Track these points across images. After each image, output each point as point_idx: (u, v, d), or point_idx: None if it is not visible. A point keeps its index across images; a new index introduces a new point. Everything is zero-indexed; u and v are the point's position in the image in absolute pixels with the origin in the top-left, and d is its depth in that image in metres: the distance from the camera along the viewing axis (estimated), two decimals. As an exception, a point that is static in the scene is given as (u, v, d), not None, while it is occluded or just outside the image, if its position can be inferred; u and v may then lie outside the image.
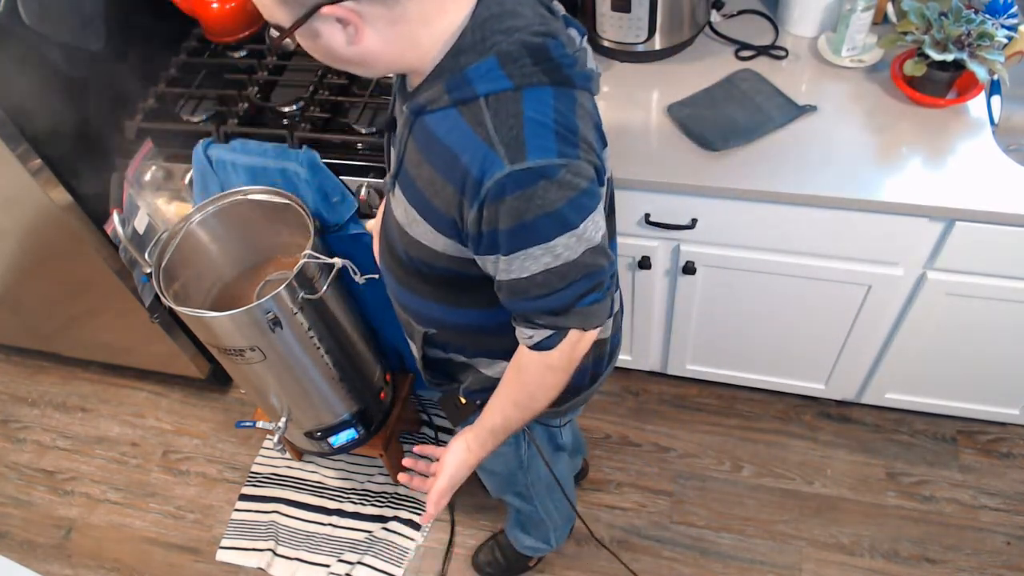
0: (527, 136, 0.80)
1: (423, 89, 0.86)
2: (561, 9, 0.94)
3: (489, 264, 0.90)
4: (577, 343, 0.96)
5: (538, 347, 0.95)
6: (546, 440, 1.34)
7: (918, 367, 1.73)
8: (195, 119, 1.65)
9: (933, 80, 1.40)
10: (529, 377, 1.00)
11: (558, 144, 0.82)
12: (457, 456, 1.09)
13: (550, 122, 0.82)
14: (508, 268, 0.88)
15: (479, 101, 0.82)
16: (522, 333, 0.96)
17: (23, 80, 1.49)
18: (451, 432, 2.03)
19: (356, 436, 1.78)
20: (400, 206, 0.95)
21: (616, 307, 1.12)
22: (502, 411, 1.05)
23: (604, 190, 0.92)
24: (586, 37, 0.95)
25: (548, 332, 0.94)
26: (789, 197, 1.37)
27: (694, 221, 1.49)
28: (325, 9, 0.76)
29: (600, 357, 1.18)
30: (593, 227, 0.87)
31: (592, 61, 0.95)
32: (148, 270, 1.51)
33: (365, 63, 0.84)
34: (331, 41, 0.81)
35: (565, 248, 0.85)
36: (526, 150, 0.80)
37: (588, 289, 0.91)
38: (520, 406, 1.04)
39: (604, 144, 0.94)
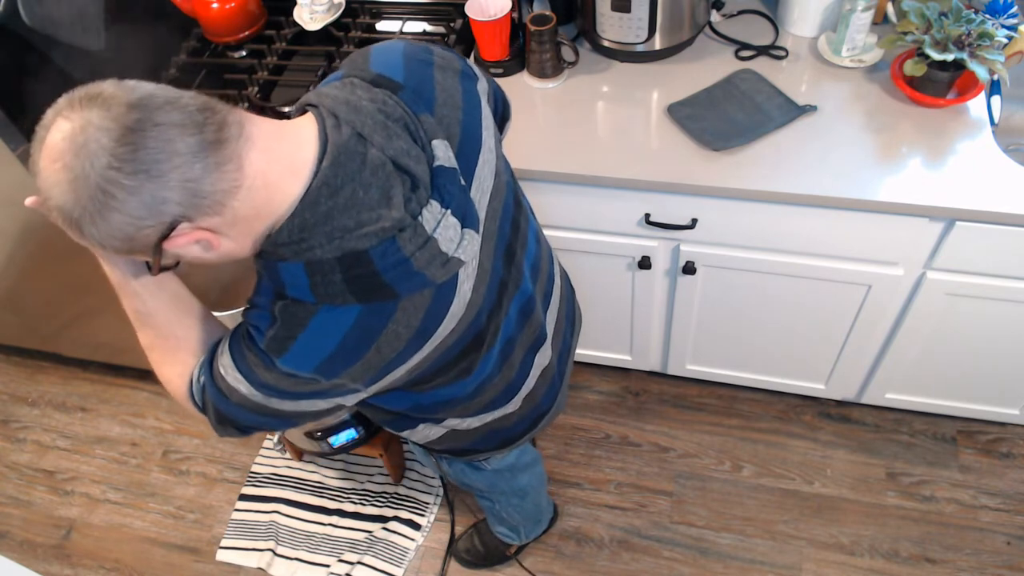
0: (292, 350, 0.83)
1: (257, 255, 0.85)
2: (440, 159, 0.85)
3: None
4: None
5: (191, 394, 0.97)
6: (467, 467, 1.38)
7: (918, 367, 1.73)
8: (195, 119, 1.65)
9: (933, 80, 1.40)
10: (161, 355, 0.99)
11: (320, 365, 0.84)
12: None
13: (329, 346, 0.83)
14: (225, 364, 0.91)
15: (284, 295, 0.83)
16: (193, 382, 0.97)
17: (23, 80, 1.49)
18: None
19: (356, 436, 1.78)
20: None
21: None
22: (144, 323, 0.99)
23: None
24: (449, 211, 0.84)
25: (198, 399, 0.96)
26: (789, 197, 1.37)
27: (694, 221, 1.49)
28: (166, 244, 0.75)
29: (490, 432, 1.20)
30: (292, 407, 0.90)
31: (452, 239, 0.85)
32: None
33: (232, 257, 0.83)
34: (193, 254, 0.80)
35: (260, 401, 0.90)
36: (283, 356, 0.84)
37: (237, 419, 0.94)
38: (149, 348, 1.01)
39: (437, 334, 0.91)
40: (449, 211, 0.84)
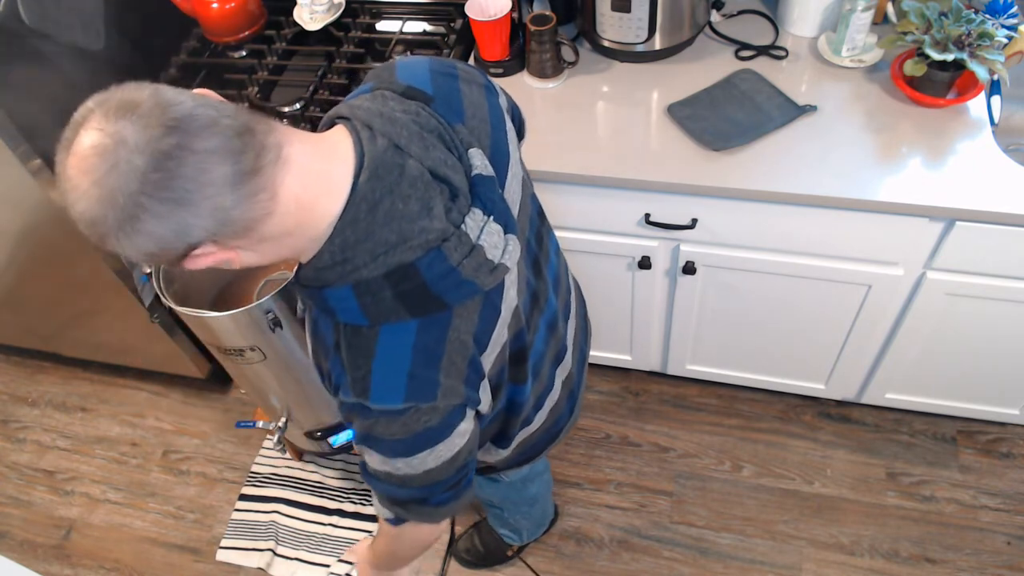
0: (374, 382, 0.81)
1: (300, 284, 0.84)
2: (477, 167, 0.84)
3: None
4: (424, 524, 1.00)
5: (388, 521, 0.99)
6: (484, 481, 1.40)
7: (918, 367, 1.73)
8: (195, 119, 1.65)
9: (933, 80, 1.40)
10: (386, 538, 1.07)
11: (408, 389, 0.82)
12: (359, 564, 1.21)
13: (405, 365, 0.81)
14: (360, 448, 0.91)
15: (339, 324, 0.82)
16: (375, 503, 0.99)
17: (23, 80, 1.49)
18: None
19: (356, 436, 1.78)
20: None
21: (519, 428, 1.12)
22: (376, 558, 1.15)
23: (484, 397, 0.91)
24: (492, 217, 0.83)
25: (391, 515, 0.98)
26: (789, 197, 1.37)
27: (694, 221, 1.49)
28: (187, 263, 0.75)
29: (506, 437, 1.16)
30: (434, 457, 0.87)
31: (497, 245, 0.83)
32: (148, 270, 1.51)
33: (252, 266, 0.81)
34: (213, 262, 0.77)
35: (405, 466, 0.87)
36: (370, 394, 0.82)
37: (423, 497, 0.92)
38: (386, 555, 1.11)
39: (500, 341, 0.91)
40: (491, 218, 0.83)
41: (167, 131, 0.66)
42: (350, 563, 1.89)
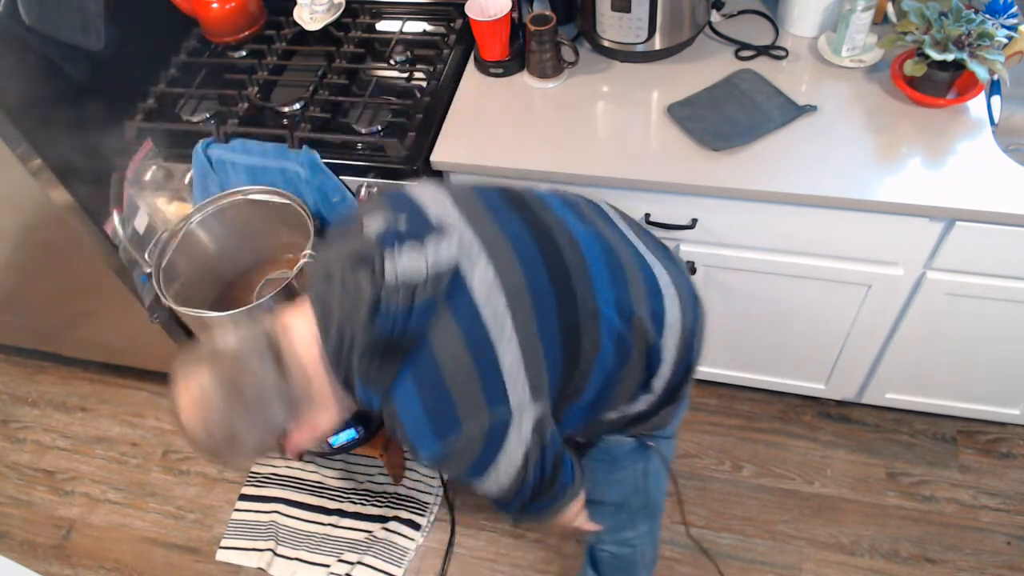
0: (412, 439, 0.94)
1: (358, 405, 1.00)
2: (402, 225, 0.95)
3: None
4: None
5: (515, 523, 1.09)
6: (631, 453, 1.29)
7: (918, 367, 1.73)
8: (195, 119, 1.65)
9: (933, 80, 1.40)
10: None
11: (435, 431, 0.93)
12: None
13: (419, 410, 0.92)
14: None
15: (381, 411, 0.96)
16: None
17: (23, 80, 1.49)
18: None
19: (356, 436, 1.78)
20: None
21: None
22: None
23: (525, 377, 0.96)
24: (403, 245, 0.92)
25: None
26: (789, 197, 1.37)
27: (694, 221, 1.49)
28: (285, 449, 0.97)
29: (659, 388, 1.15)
30: (503, 472, 0.97)
31: (415, 265, 0.91)
32: (148, 270, 1.51)
33: (341, 417, 1.01)
34: (307, 438, 0.98)
35: (491, 483, 0.99)
36: (419, 450, 0.95)
37: (522, 504, 1.04)
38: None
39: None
40: (404, 246, 0.91)
41: (230, 365, 0.91)
42: (350, 563, 1.89)
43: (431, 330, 0.89)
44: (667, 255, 1.17)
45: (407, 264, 0.89)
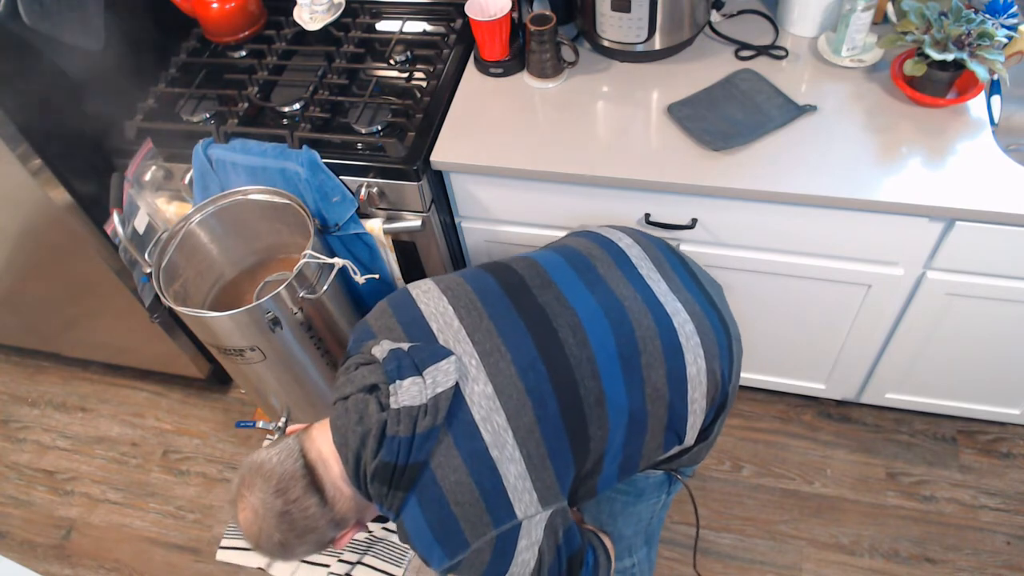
0: (423, 554, 1.00)
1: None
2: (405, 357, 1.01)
3: None
4: None
5: None
6: (653, 488, 1.33)
7: (918, 367, 1.73)
8: (195, 119, 1.65)
9: (933, 80, 1.40)
10: None
11: (444, 550, 0.98)
12: None
13: (427, 534, 0.98)
14: None
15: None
16: None
17: (23, 80, 1.49)
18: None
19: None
20: None
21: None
22: None
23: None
24: (408, 378, 0.98)
25: None
26: (789, 197, 1.37)
27: (694, 221, 1.49)
28: (336, 545, 1.09)
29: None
30: (520, 566, 1.00)
31: (417, 392, 0.97)
32: (148, 270, 1.51)
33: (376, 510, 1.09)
34: (359, 531, 1.11)
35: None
36: (431, 563, 1.00)
37: None
38: None
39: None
40: (405, 377, 0.97)
41: (275, 495, 0.99)
42: (350, 563, 1.89)
43: (434, 458, 0.95)
44: (695, 286, 1.17)
45: (407, 395, 0.95)
